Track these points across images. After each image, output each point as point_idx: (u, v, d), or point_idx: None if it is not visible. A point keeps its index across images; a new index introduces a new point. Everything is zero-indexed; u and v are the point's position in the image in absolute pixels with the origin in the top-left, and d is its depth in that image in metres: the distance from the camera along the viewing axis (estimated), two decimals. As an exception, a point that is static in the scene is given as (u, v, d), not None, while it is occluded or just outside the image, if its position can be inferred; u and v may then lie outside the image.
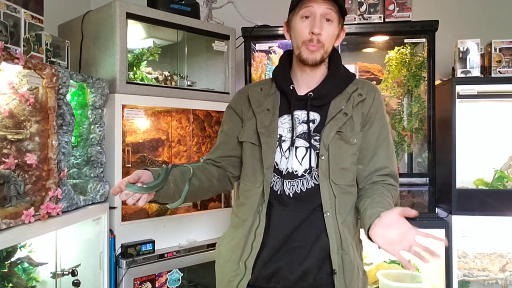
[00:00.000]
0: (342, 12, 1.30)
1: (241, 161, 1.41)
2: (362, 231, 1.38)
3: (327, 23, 1.27)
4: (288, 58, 1.41)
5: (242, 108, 1.42)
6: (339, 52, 2.32)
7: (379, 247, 1.08)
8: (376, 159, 1.31)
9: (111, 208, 1.93)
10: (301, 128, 1.31)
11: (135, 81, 2.11)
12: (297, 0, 1.28)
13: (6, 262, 1.51)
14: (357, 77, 1.41)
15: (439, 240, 1.01)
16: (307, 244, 1.26)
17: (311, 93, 1.32)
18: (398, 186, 1.34)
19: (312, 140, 1.29)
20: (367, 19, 2.32)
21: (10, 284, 1.51)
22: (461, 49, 2.26)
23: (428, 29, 2.29)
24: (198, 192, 1.34)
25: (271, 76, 1.44)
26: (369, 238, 1.12)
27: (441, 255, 0.97)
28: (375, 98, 1.34)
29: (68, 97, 1.77)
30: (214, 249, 1.44)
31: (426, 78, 2.35)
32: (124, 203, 1.15)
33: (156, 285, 1.99)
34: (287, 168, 1.29)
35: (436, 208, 2.36)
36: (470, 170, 2.36)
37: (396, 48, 2.42)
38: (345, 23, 2.26)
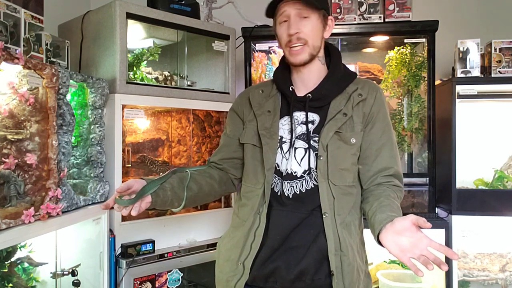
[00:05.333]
0: (319, 6, 1.28)
1: (243, 163, 1.42)
2: (365, 232, 1.38)
3: (304, 20, 1.27)
4: None
5: (243, 110, 1.43)
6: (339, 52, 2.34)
7: (390, 252, 1.07)
8: (380, 159, 1.31)
9: (111, 208, 1.92)
10: (300, 129, 1.31)
11: (135, 81, 2.10)
12: (272, 10, 1.30)
13: (6, 262, 1.51)
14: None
15: (452, 254, 0.99)
16: (304, 244, 1.26)
17: (309, 94, 1.32)
18: (403, 187, 1.33)
19: (311, 141, 1.29)
20: (367, 19, 2.32)
21: (10, 284, 1.51)
22: (461, 49, 2.26)
23: (428, 29, 2.29)
24: (198, 196, 1.35)
25: (271, 77, 1.45)
26: (379, 242, 1.10)
27: (441, 256, 0.97)
28: (377, 98, 1.33)
29: (68, 97, 1.76)
30: (214, 249, 1.44)
31: (426, 78, 2.35)
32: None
33: (156, 285, 1.99)
34: (286, 169, 1.29)
35: (436, 208, 2.36)
36: (470, 170, 2.36)
37: (396, 48, 2.42)
38: (345, 23, 2.30)
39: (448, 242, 2.21)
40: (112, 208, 1.17)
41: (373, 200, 1.24)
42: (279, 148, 1.31)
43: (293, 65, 1.33)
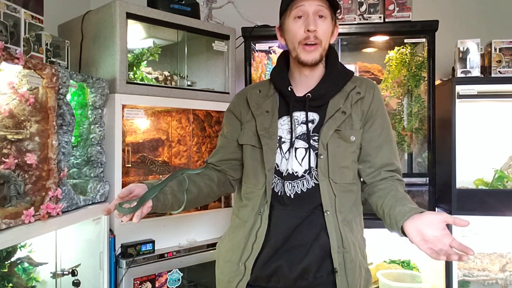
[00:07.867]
0: (334, 8, 1.29)
1: (242, 164, 1.41)
2: (365, 231, 1.38)
3: (320, 20, 1.26)
4: (285, 58, 1.41)
5: (241, 110, 1.42)
6: (339, 51, 2.34)
7: (411, 241, 1.07)
8: (382, 156, 1.31)
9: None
10: (300, 129, 1.31)
11: (135, 81, 2.10)
12: (288, 2, 1.27)
13: (6, 262, 1.51)
14: (356, 75, 1.40)
15: (471, 253, 1.02)
16: (307, 243, 1.26)
17: (309, 94, 1.32)
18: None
19: (311, 141, 1.29)
20: (367, 19, 2.32)
21: (10, 284, 1.51)
22: (461, 49, 2.25)
23: (428, 29, 2.28)
24: (197, 199, 1.36)
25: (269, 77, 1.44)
26: (402, 232, 1.11)
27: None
28: (375, 95, 1.34)
29: (68, 97, 1.77)
30: (214, 249, 1.44)
31: (426, 78, 2.35)
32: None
33: (156, 285, 1.99)
34: (287, 170, 1.29)
35: (436, 208, 2.36)
36: (470, 170, 2.36)
37: (396, 48, 2.42)
38: (345, 23, 2.31)
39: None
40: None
41: (383, 194, 1.24)
42: (279, 148, 1.31)
43: (303, 64, 1.29)
